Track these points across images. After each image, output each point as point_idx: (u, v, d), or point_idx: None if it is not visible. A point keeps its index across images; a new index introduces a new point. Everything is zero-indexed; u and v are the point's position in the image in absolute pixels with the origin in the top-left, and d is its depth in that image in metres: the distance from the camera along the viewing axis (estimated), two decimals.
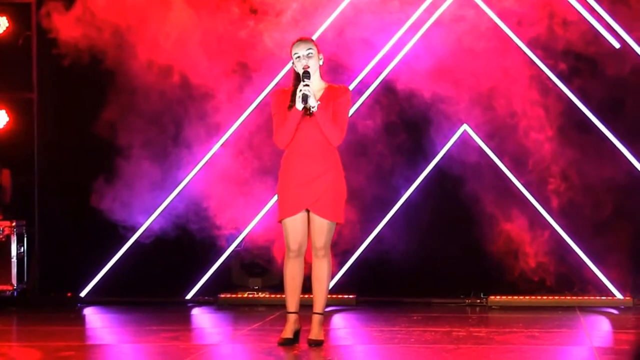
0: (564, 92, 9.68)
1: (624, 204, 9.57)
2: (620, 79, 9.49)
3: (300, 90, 7.08)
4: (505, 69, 9.62)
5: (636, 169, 9.65)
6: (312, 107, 7.08)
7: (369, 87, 9.90)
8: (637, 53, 9.61)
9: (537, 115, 9.69)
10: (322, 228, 7.17)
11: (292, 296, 7.28)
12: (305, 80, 7.10)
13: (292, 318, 7.30)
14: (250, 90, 9.87)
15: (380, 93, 9.88)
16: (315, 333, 7.25)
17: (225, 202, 9.78)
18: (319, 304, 7.27)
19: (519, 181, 9.76)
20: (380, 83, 9.90)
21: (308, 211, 7.26)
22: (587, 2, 9.70)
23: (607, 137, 9.64)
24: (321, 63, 7.32)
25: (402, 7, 9.79)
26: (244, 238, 9.93)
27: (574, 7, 9.67)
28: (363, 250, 9.83)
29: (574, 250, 9.65)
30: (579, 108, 9.68)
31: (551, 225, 9.69)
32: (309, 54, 7.18)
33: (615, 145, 9.64)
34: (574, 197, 9.63)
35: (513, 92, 9.66)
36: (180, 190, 9.96)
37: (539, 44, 9.70)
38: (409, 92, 9.66)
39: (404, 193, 9.83)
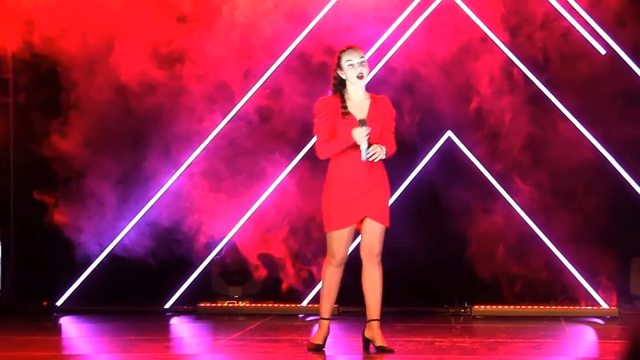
0: (548, 98, 9.66)
1: (612, 214, 9.53)
2: (602, 83, 9.49)
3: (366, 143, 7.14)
4: (489, 74, 9.60)
5: (624, 178, 9.61)
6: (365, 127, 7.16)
7: None
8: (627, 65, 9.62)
9: (522, 121, 9.64)
10: (380, 234, 7.33)
11: (329, 302, 7.48)
12: (360, 129, 7.17)
13: (325, 324, 7.47)
14: (229, 93, 9.82)
15: None
16: (381, 340, 7.34)
17: (204, 209, 9.75)
18: (376, 310, 7.40)
19: (505, 189, 9.70)
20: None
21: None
22: (575, 11, 9.69)
23: (598, 150, 9.61)
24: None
25: (383, 14, 9.76)
26: (223, 246, 9.86)
27: (561, 13, 9.67)
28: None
29: (559, 260, 9.60)
30: (564, 115, 9.65)
31: (536, 234, 9.64)
32: (362, 62, 7.28)
33: (605, 158, 9.60)
34: (560, 206, 9.59)
35: (497, 99, 9.62)
36: (159, 198, 9.88)
37: (522, 49, 9.68)
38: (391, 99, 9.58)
39: None
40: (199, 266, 9.90)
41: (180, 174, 9.90)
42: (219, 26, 9.66)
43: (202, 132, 9.87)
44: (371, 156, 7.15)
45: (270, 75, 9.85)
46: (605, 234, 9.47)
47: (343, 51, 7.33)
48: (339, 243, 7.33)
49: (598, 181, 9.55)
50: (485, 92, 9.64)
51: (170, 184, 9.89)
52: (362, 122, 7.15)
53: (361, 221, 7.33)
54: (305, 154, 9.74)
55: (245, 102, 9.88)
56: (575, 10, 9.65)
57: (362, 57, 7.30)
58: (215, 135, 9.89)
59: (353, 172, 7.26)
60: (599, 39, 9.65)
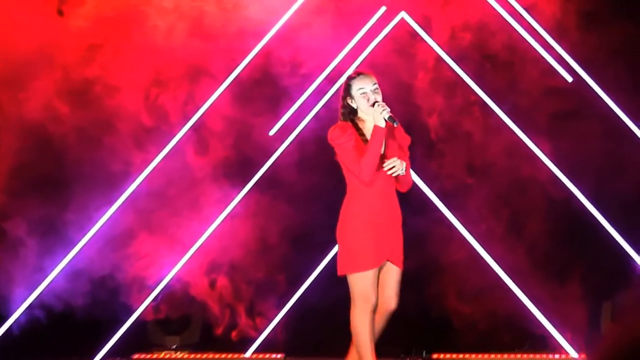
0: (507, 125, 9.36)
1: (579, 256, 9.19)
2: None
3: (384, 110, 6.69)
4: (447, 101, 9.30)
5: (593, 216, 9.27)
6: (395, 123, 6.71)
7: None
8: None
9: (478, 152, 9.34)
10: (399, 279, 6.90)
11: (373, 352, 6.89)
12: (378, 103, 6.73)
13: None
14: (162, 120, 9.33)
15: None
16: None
17: (138, 252, 9.30)
18: None
19: (467, 229, 9.29)
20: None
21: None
22: (542, 38, 9.43)
23: (570, 192, 9.28)
24: None
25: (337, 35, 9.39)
26: (160, 292, 9.35)
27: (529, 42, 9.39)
28: (291, 307, 9.33)
29: (525, 305, 9.18)
30: (524, 143, 9.33)
31: (501, 279, 9.24)
32: (375, 89, 6.84)
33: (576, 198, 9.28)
34: (525, 247, 9.23)
35: (454, 126, 9.32)
36: (87, 242, 9.34)
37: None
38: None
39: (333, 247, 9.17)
40: (133, 314, 9.36)
41: (111, 216, 9.35)
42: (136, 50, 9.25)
43: (134, 168, 9.38)
44: (390, 169, 6.68)
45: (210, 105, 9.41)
46: (574, 278, 9.13)
47: (353, 78, 6.87)
48: (372, 284, 6.78)
49: (569, 221, 9.26)
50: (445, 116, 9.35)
51: (99, 227, 9.34)
52: (391, 119, 6.66)
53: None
54: (251, 188, 9.31)
55: (183, 135, 9.42)
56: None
57: (375, 83, 6.84)
58: (150, 172, 9.38)
59: (378, 205, 6.81)
60: (543, 43, 9.40)
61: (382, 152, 6.71)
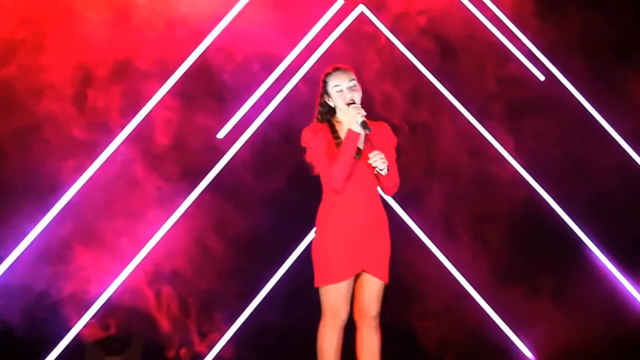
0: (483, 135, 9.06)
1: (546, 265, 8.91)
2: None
3: (358, 113, 6.26)
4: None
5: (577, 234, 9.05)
6: (383, 171, 6.30)
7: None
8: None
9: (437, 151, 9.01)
10: (379, 292, 6.45)
11: None
12: (353, 105, 6.31)
13: None
14: (96, 123, 8.71)
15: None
16: None
17: (74, 266, 8.74)
18: None
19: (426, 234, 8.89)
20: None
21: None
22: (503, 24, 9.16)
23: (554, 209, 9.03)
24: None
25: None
26: (98, 309, 8.79)
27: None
28: (244, 322, 8.87)
29: (490, 318, 8.88)
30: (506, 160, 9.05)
31: (466, 291, 8.93)
32: (352, 85, 6.39)
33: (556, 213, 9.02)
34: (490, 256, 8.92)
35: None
36: (19, 256, 8.66)
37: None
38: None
39: (288, 257, 8.89)
40: (68, 333, 8.78)
41: (44, 228, 8.70)
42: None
43: (67, 176, 8.74)
44: (375, 161, 6.21)
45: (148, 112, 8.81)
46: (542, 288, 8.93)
47: (329, 74, 6.44)
48: (342, 297, 6.37)
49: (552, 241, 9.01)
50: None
51: (32, 239, 8.69)
52: (363, 124, 6.24)
53: (356, 276, 6.41)
54: (197, 197, 8.78)
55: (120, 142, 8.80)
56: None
57: (352, 79, 6.39)
58: (87, 179, 8.75)
59: (352, 213, 6.37)
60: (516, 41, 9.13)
61: (358, 157, 6.28)
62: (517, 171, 9.03)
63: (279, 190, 8.77)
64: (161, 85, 8.81)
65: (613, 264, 9.05)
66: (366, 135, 6.28)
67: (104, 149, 8.73)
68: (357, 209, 6.35)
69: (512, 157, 9.03)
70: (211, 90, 8.83)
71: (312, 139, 6.35)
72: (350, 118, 6.26)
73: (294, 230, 8.84)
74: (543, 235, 9.00)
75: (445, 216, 9.00)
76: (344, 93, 6.34)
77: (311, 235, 8.42)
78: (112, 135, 8.77)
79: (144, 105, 8.78)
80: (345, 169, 6.25)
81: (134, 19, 8.71)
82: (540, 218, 9.03)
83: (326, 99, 6.42)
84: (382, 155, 6.20)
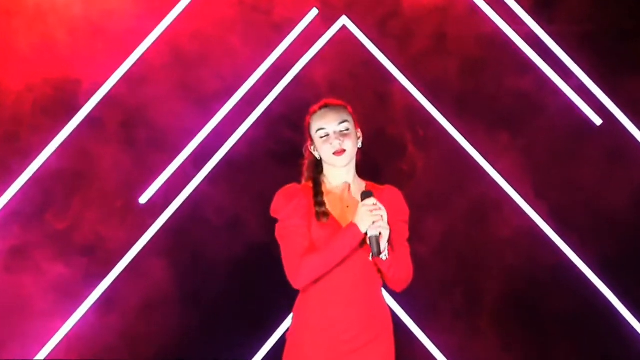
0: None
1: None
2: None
3: (372, 228, 4.57)
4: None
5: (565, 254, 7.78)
6: (383, 254, 4.62)
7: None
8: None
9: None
10: None
11: None
12: (368, 201, 4.61)
13: None
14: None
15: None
16: None
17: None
18: None
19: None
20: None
21: None
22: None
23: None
24: (360, 145, 4.79)
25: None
26: None
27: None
28: None
29: None
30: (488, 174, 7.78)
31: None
32: (344, 129, 4.73)
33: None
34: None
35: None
36: None
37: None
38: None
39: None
40: None
41: None
42: None
43: None
44: (374, 238, 4.57)
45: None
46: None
47: (313, 113, 4.82)
48: None
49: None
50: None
51: None
52: (366, 194, 4.63)
53: None
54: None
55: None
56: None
57: (344, 120, 4.73)
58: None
59: (339, 310, 4.71)
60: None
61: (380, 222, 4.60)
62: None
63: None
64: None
65: None
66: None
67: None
68: (346, 306, 4.73)
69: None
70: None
71: (282, 208, 4.71)
72: (362, 216, 4.60)
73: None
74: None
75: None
76: (330, 138, 4.73)
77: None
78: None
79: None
80: (322, 270, 4.62)
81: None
82: None
83: (312, 149, 4.83)
84: (382, 212, 4.58)
